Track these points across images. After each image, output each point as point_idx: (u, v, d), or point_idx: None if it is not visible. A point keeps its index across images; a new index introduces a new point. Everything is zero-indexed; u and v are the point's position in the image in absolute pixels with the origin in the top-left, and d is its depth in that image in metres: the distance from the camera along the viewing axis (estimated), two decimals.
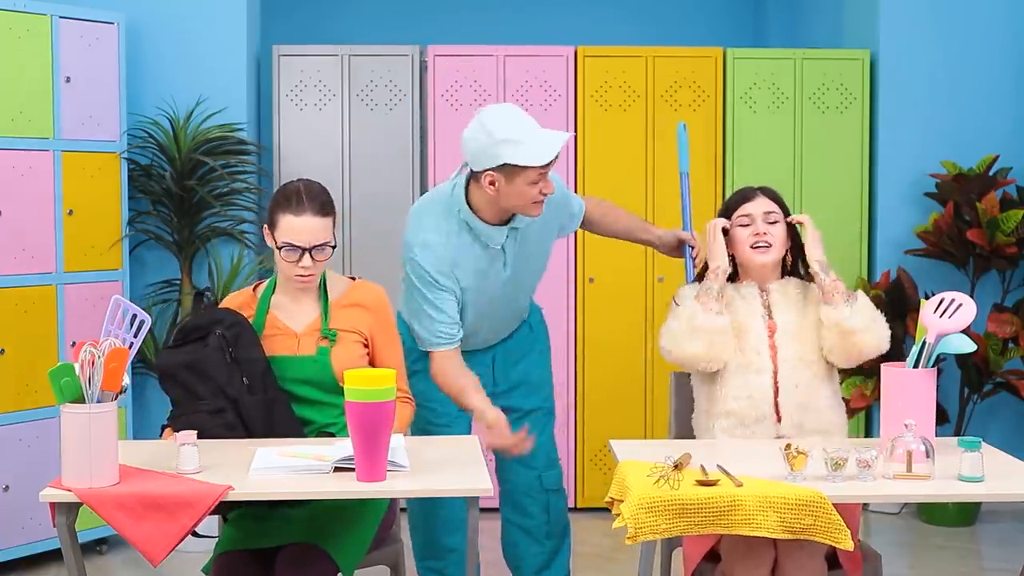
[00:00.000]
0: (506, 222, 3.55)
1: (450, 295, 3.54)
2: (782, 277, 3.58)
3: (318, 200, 3.29)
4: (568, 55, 5.59)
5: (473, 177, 3.49)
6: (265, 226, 3.36)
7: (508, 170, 3.35)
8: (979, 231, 5.36)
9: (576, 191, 5.58)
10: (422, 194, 5.57)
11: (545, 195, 3.43)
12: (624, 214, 4.03)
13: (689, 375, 3.66)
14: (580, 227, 3.99)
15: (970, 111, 5.74)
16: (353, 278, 3.52)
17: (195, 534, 2.97)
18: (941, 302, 3.25)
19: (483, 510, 3.29)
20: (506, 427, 3.46)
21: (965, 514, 5.47)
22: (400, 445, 3.12)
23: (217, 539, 3.30)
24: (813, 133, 5.67)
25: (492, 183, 3.39)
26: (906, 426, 2.94)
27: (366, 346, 3.43)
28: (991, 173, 5.55)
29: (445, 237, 3.53)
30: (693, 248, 3.89)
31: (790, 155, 5.67)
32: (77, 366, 2.84)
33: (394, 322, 3.50)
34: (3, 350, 4.68)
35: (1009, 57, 5.73)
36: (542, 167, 3.37)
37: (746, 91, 5.64)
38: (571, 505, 5.30)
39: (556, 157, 3.37)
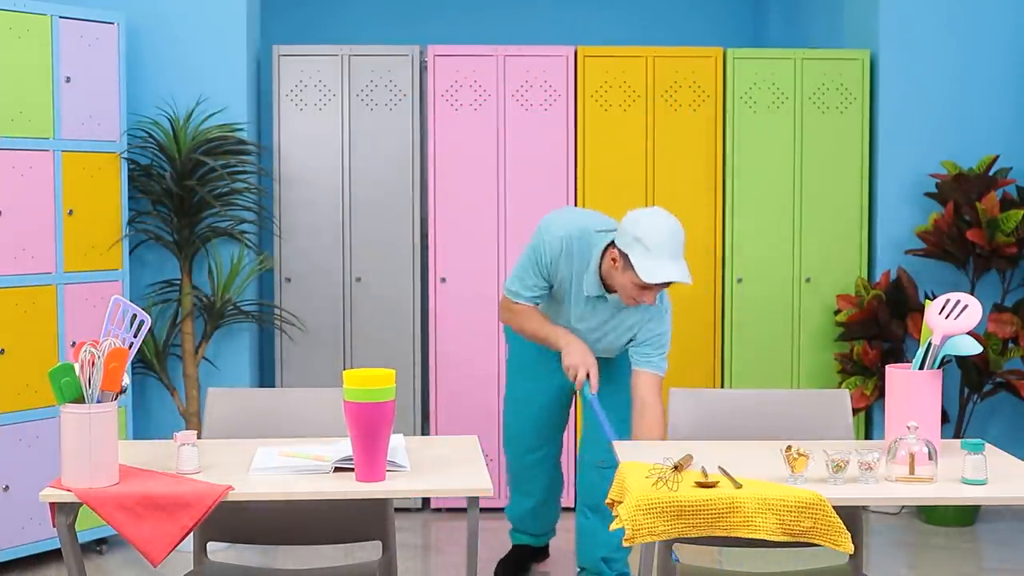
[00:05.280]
0: (607, 289, 4.08)
1: (544, 283, 4.17)
2: None
3: None
4: (568, 55, 5.59)
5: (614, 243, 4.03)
6: None
7: (627, 261, 3.87)
8: (979, 231, 5.36)
9: (576, 191, 5.59)
10: (422, 194, 5.60)
11: (640, 303, 3.96)
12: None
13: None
14: None
15: (970, 111, 5.74)
16: None
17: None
18: (947, 303, 3.22)
19: (483, 510, 3.29)
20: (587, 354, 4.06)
21: (965, 514, 5.46)
22: (400, 445, 3.12)
23: None
24: (813, 133, 5.67)
25: (614, 259, 3.94)
26: (908, 428, 2.93)
27: None
28: (991, 173, 5.55)
29: (565, 253, 4.10)
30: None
31: (790, 155, 5.67)
32: (77, 366, 2.84)
33: None
34: (3, 350, 4.68)
35: (1009, 57, 5.73)
36: (646, 284, 3.86)
37: (746, 91, 5.64)
38: (572, 505, 5.31)
39: (666, 284, 3.86)
